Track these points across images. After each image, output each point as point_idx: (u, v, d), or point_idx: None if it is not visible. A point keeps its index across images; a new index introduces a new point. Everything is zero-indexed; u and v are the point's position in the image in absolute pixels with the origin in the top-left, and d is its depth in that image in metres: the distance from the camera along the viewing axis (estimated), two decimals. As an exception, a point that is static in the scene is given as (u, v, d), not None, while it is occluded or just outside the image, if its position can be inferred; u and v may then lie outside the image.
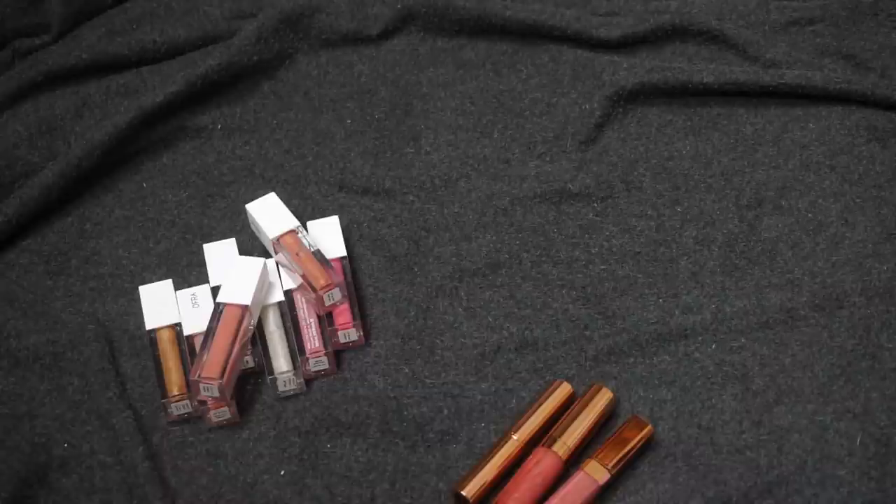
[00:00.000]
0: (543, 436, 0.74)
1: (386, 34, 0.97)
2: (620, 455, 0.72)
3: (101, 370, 0.79)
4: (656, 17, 0.95)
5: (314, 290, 0.78)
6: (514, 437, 0.74)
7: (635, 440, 0.73)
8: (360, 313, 0.81)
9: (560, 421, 0.74)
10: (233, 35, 0.96)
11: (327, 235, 0.84)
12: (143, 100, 0.91)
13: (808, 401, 0.75)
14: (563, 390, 0.76)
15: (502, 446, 0.74)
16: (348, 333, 0.79)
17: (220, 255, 0.84)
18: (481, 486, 0.72)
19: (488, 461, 0.73)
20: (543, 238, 0.85)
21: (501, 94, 0.93)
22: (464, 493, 0.72)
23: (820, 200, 0.85)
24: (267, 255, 0.84)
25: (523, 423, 0.74)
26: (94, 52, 0.95)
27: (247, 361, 0.79)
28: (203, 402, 0.76)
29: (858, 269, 0.81)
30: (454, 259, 0.84)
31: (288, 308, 0.80)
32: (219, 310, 0.77)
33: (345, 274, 0.81)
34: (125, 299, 0.83)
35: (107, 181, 0.90)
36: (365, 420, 0.77)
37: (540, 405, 0.75)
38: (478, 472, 0.73)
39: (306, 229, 0.84)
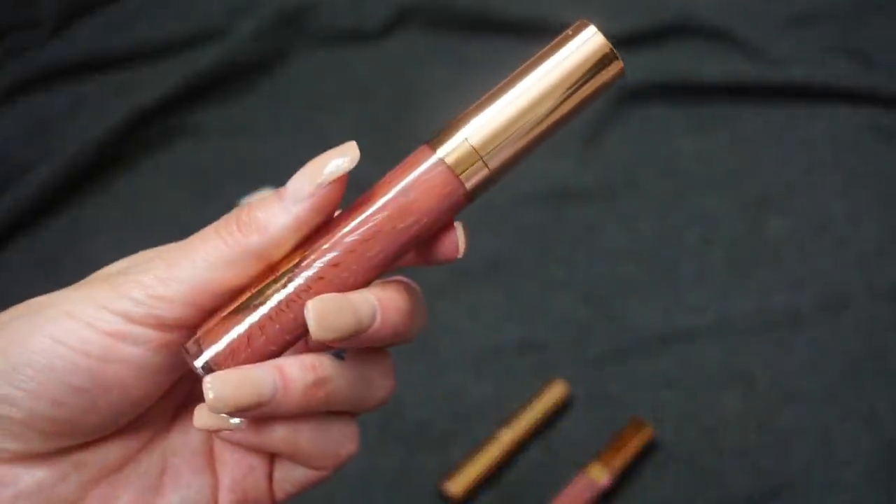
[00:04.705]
0: (535, 434, 0.74)
1: (385, 31, 0.97)
2: (622, 458, 0.71)
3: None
4: (659, 14, 0.95)
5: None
6: (504, 435, 0.73)
7: (637, 443, 0.72)
8: (359, 314, 0.80)
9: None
10: (230, 32, 0.96)
11: (326, 235, 0.83)
12: (138, 97, 0.90)
13: (813, 403, 0.74)
14: (558, 390, 0.75)
15: (491, 444, 0.73)
16: (347, 334, 0.78)
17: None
18: (467, 484, 0.72)
19: (476, 458, 0.72)
20: (545, 238, 0.84)
21: (502, 92, 0.92)
22: (448, 490, 0.71)
23: (825, 200, 0.85)
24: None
25: (514, 420, 0.74)
26: (89, 48, 0.95)
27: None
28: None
29: (864, 269, 0.80)
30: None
31: (286, 308, 0.79)
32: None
33: (343, 274, 0.81)
34: (121, 300, 0.83)
35: (102, 180, 0.90)
36: (364, 421, 0.76)
37: (532, 404, 0.75)
38: (464, 470, 0.72)
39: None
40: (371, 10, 0.97)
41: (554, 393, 0.75)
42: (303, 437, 0.38)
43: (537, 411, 0.75)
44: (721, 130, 0.89)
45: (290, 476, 0.40)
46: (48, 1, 0.97)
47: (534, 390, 0.76)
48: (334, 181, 0.36)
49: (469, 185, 0.39)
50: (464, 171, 0.38)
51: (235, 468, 0.39)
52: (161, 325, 0.36)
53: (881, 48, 0.92)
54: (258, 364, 0.36)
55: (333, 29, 0.97)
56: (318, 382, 0.37)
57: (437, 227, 0.39)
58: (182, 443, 0.40)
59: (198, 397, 0.39)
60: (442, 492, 0.72)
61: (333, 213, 0.37)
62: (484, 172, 0.39)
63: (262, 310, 0.36)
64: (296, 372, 0.36)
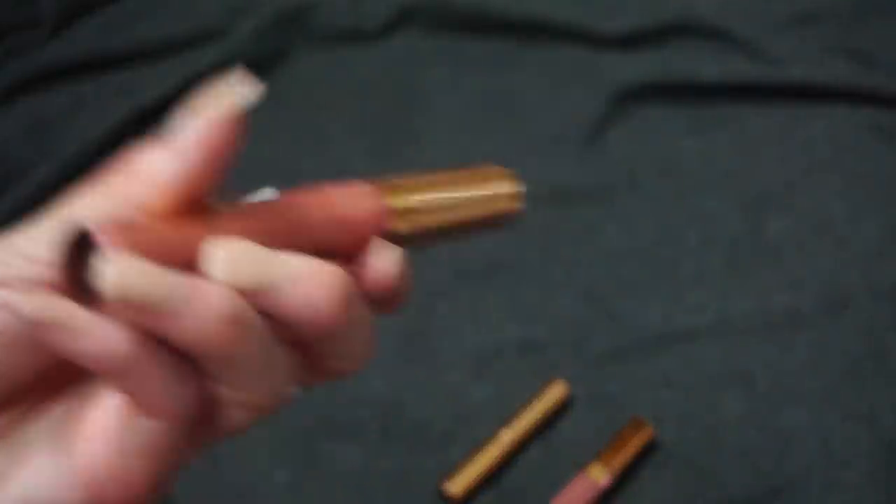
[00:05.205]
0: (535, 434, 0.74)
1: (385, 31, 0.97)
2: (622, 458, 0.71)
3: (96, 372, 0.78)
4: (659, 14, 0.95)
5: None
6: (504, 435, 0.73)
7: (637, 443, 0.72)
8: (359, 314, 0.80)
9: None
10: (230, 32, 0.95)
11: (326, 235, 0.83)
12: (138, 97, 0.90)
13: (813, 403, 0.74)
14: (558, 390, 0.75)
15: (491, 444, 0.73)
16: (347, 335, 0.78)
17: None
18: (467, 484, 0.72)
19: (476, 458, 0.72)
20: (545, 238, 0.84)
21: (502, 93, 0.92)
22: (448, 490, 0.71)
23: (826, 200, 0.84)
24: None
25: (514, 420, 0.74)
26: (89, 48, 0.95)
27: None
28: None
29: (865, 269, 0.80)
30: (455, 260, 0.83)
31: (286, 308, 0.79)
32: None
33: (343, 274, 0.81)
34: (121, 300, 0.83)
35: (102, 180, 0.90)
36: (364, 422, 0.76)
37: (532, 404, 0.75)
38: (464, 470, 0.72)
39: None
40: (371, 10, 0.97)
41: (554, 393, 0.75)
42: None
43: (537, 411, 0.74)
44: (721, 130, 0.89)
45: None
46: (48, 1, 0.97)
47: (534, 390, 0.76)
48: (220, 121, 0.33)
49: (389, 212, 0.40)
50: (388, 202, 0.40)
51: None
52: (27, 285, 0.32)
53: (881, 48, 0.92)
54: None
55: (333, 29, 0.96)
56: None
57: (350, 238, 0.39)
58: (40, 426, 0.35)
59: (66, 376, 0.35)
60: (442, 492, 0.71)
61: (227, 158, 0.34)
62: (404, 224, 0.41)
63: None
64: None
